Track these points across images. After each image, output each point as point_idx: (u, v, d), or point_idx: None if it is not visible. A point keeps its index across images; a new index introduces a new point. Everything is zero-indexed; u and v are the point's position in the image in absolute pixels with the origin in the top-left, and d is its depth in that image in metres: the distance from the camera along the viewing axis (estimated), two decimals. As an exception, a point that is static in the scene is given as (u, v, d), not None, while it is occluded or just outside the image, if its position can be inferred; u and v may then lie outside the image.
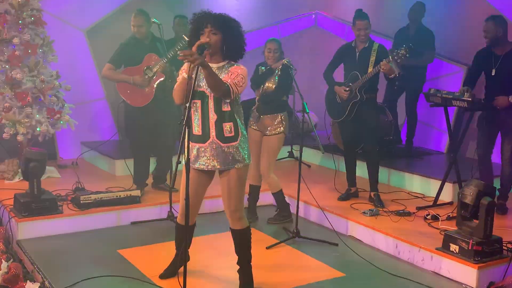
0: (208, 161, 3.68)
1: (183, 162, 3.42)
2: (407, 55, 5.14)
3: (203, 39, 3.54)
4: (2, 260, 4.34)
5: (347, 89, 5.43)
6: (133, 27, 5.48)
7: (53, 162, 6.87)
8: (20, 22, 5.92)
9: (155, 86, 5.46)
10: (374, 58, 5.33)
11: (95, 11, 7.33)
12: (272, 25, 8.61)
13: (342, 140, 5.94)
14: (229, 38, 3.59)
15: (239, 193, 3.73)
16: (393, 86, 6.69)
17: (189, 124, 3.36)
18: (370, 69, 5.30)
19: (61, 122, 6.19)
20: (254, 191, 5.51)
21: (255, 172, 5.39)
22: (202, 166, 3.70)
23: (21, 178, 5.84)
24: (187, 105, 3.45)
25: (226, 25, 3.60)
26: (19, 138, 5.91)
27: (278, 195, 5.38)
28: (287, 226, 5.22)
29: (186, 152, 3.55)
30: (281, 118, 5.23)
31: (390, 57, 5.14)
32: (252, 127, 5.30)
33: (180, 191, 3.82)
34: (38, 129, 5.94)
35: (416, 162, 6.75)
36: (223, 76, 3.59)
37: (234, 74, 3.57)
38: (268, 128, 5.22)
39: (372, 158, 5.59)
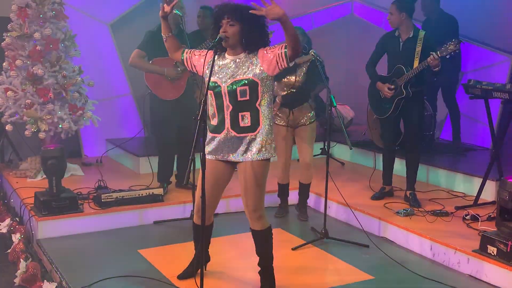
0: (223, 152, 3.76)
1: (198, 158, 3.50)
2: (457, 51, 5.04)
3: (221, 32, 3.62)
4: (21, 260, 4.51)
5: (392, 87, 5.38)
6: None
7: (78, 160, 7.09)
8: (41, 16, 6.10)
9: (186, 81, 5.57)
10: (420, 48, 5.25)
11: (119, 3, 7.51)
12: (306, 14, 8.62)
13: (382, 137, 5.91)
14: (248, 29, 3.63)
15: (256, 191, 3.76)
16: (433, 79, 6.62)
17: (204, 119, 3.44)
18: (416, 62, 5.23)
19: (84, 118, 6.36)
20: (282, 189, 5.61)
21: (281, 171, 5.48)
22: (217, 156, 3.78)
23: (44, 176, 6.03)
24: (202, 99, 3.53)
25: (244, 16, 3.64)
26: (41, 135, 6.11)
27: (307, 187, 5.54)
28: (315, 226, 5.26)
29: (202, 148, 3.63)
30: (309, 106, 5.39)
31: (438, 52, 5.05)
32: (278, 123, 5.36)
33: (196, 189, 3.91)
34: (60, 126, 6.12)
35: (459, 159, 6.66)
36: (243, 70, 3.65)
37: (270, 48, 3.68)
38: (301, 120, 5.35)
39: (413, 155, 5.54)
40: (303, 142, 5.37)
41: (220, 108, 3.71)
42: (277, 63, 3.65)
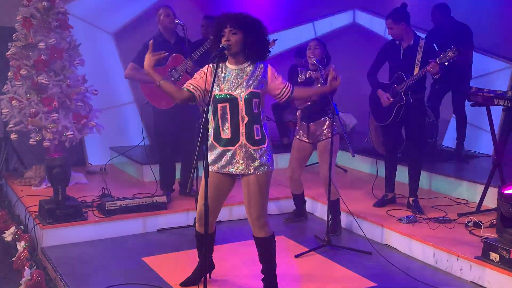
0: (237, 164, 3.74)
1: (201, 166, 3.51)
2: (455, 58, 5.06)
3: (223, 41, 3.64)
4: (26, 268, 4.52)
5: (391, 99, 5.38)
6: (164, 19, 5.58)
7: (82, 168, 7.11)
8: (45, 26, 6.14)
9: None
10: (421, 56, 5.26)
11: (122, 13, 7.56)
12: (308, 22, 8.65)
13: (384, 144, 5.91)
14: (249, 37, 3.66)
15: (260, 200, 3.78)
16: (435, 86, 6.62)
17: (206, 127, 3.44)
18: (416, 70, 5.25)
19: (88, 127, 6.38)
20: (297, 199, 5.64)
21: (294, 182, 5.49)
22: (230, 170, 3.75)
23: (48, 184, 6.05)
24: (205, 108, 3.54)
25: (246, 24, 3.67)
26: (46, 144, 6.13)
27: (335, 204, 5.25)
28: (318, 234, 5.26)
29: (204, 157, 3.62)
30: (327, 120, 5.21)
31: (437, 59, 5.07)
32: (299, 138, 5.35)
33: (198, 197, 3.92)
34: (64, 134, 6.14)
35: (462, 166, 6.66)
36: (254, 81, 3.69)
37: (278, 75, 3.81)
38: (320, 135, 5.24)
39: (415, 162, 5.54)
40: (321, 157, 5.26)
41: (234, 120, 3.68)
42: (279, 93, 3.83)
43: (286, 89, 3.84)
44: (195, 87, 3.77)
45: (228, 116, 3.69)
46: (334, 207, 5.26)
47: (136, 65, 5.65)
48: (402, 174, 6.01)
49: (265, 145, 3.76)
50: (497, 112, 5.94)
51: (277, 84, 3.80)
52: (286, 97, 3.86)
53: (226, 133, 3.72)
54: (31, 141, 6.16)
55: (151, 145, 7.49)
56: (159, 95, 5.60)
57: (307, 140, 5.32)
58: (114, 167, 7.33)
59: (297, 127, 5.42)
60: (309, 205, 6.08)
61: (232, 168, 3.76)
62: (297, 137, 5.38)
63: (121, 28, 7.59)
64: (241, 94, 3.67)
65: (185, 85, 3.82)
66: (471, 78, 6.90)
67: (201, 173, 3.48)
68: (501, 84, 6.82)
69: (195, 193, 5.55)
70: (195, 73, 3.86)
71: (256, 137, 3.72)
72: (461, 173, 6.24)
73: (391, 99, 5.38)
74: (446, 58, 5.02)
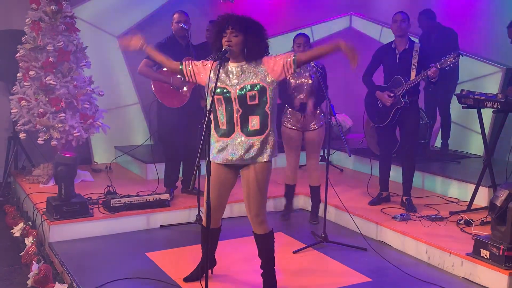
0: (231, 155, 3.74)
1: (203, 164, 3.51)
2: (456, 63, 5.07)
3: (224, 42, 3.64)
4: (34, 262, 4.53)
5: (392, 95, 5.40)
6: (174, 24, 5.61)
7: (88, 166, 7.12)
8: (53, 29, 6.14)
9: (191, 89, 5.63)
10: (417, 60, 5.28)
11: (128, 17, 7.56)
12: (305, 27, 8.66)
13: (379, 144, 5.92)
14: (250, 39, 3.66)
15: (259, 196, 3.77)
16: (428, 89, 6.65)
17: (209, 127, 3.45)
18: (413, 73, 5.25)
19: (94, 127, 6.39)
20: (290, 190, 5.63)
21: (290, 172, 5.50)
22: (224, 161, 3.77)
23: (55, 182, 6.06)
24: (207, 108, 3.55)
25: (247, 26, 3.67)
26: (53, 143, 6.14)
27: (318, 190, 5.51)
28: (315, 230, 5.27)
29: (207, 155, 3.62)
30: (320, 111, 5.42)
31: (438, 64, 5.09)
32: (289, 126, 5.38)
33: (204, 194, 3.93)
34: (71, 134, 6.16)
35: (453, 166, 6.67)
36: (250, 76, 3.67)
37: (277, 56, 3.73)
38: (311, 124, 5.38)
39: (409, 162, 5.56)
40: (311, 146, 5.38)
41: (229, 112, 3.70)
42: (284, 68, 3.69)
43: (288, 58, 3.69)
44: (191, 68, 3.85)
45: (223, 108, 3.71)
46: (318, 193, 5.48)
47: (149, 62, 5.59)
48: (396, 174, 6.02)
49: (263, 136, 3.72)
50: (487, 114, 5.95)
51: (276, 62, 3.70)
52: (291, 65, 3.68)
53: (223, 124, 3.74)
54: (39, 140, 6.16)
55: (154, 145, 7.49)
56: (171, 94, 5.61)
57: (298, 128, 5.38)
58: (118, 165, 7.34)
59: (288, 117, 5.41)
60: (305, 203, 6.09)
61: (230, 156, 3.74)
62: (288, 126, 5.40)
63: (126, 31, 7.57)
64: (235, 89, 3.67)
65: (183, 61, 3.92)
66: (457, 80, 6.91)
67: (204, 171, 3.49)
68: (492, 87, 6.83)
69: (197, 191, 5.58)
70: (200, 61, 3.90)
71: (251, 128, 3.70)
72: (452, 173, 6.25)
73: (392, 95, 5.38)
74: (447, 63, 5.04)
